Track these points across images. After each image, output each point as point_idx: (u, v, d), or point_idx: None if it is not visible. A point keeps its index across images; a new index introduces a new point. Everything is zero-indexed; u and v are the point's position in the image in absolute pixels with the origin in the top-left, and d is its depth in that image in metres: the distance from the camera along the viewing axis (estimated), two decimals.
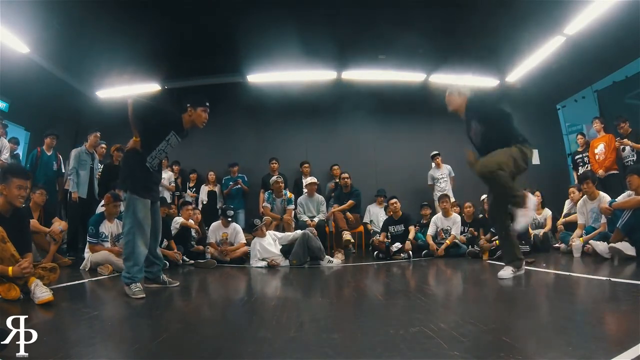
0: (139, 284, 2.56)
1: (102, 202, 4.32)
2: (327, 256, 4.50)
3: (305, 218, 5.45)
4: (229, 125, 7.23)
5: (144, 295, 2.50)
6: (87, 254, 3.89)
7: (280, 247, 4.49)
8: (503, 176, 2.68)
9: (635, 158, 4.99)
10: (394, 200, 5.28)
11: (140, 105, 2.69)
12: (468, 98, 3.02)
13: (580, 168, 5.78)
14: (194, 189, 6.61)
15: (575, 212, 4.62)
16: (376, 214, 6.10)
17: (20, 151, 5.74)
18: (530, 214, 2.85)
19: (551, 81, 6.36)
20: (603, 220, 4.11)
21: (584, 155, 5.79)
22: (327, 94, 6.91)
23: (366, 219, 6.08)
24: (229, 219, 4.81)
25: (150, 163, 2.74)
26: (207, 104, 2.75)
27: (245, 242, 4.74)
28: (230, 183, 6.47)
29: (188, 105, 2.72)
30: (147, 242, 2.68)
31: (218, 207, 6.32)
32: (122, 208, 4.55)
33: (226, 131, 7.24)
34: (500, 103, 3.00)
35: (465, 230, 5.25)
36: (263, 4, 5.10)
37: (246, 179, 6.61)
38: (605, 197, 4.20)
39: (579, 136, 6.00)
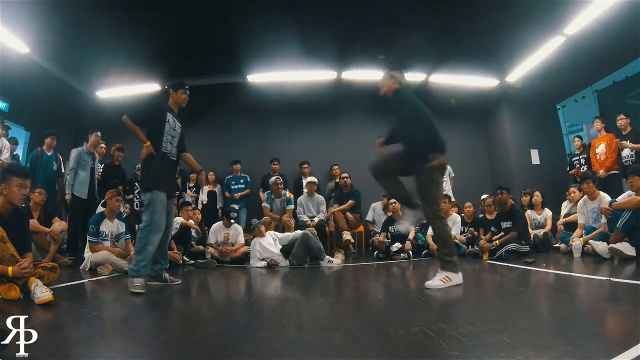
0: (141, 280, 2.68)
1: (102, 202, 4.32)
2: (327, 256, 4.50)
3: (305, 218, 5.45)
4: (229, 125, 7.23)
5: (143, 292, 2.58)
6: (87, 253, 3.88)
7: (280, 247, 4.49)
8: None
9: (634, 158, 4.98)
10: (394, 200, 5.27)
11: (132, 110, 2.95)
12: (400, 85, 3.00)
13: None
14: (194, 189, 6.61)
15: (575, 212, 4.62)
16: (379, 214, 6.08)
17: (20, 151, 5.73)
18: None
19: (551, 81, 6.35)
20: (603, 220, 4.10)
21: (580, 157, 5.78)
22: (327, 94, 6.90)
23: (369, 217, 6.04)
24: (231, 220, 4.83)
25: (165, 147, 2.95)
26: (186, 87, 3.12)
27: (243, 242, 4.75)
28: (233, 182, 6.47)
29: (170, 89, 3.11)
30: (159, 240, 2.86)
31: (218, 207, 6.32)
32: (121, 208, 4.61)
33: (226, 131, 7.24)
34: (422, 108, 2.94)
35: (465, 230, 5.25)
36: (263, 4, 5.11)
37: (249, 179, 6.60)
38: (605, 197, 4.19)
39: (576, 139, 6.00)
